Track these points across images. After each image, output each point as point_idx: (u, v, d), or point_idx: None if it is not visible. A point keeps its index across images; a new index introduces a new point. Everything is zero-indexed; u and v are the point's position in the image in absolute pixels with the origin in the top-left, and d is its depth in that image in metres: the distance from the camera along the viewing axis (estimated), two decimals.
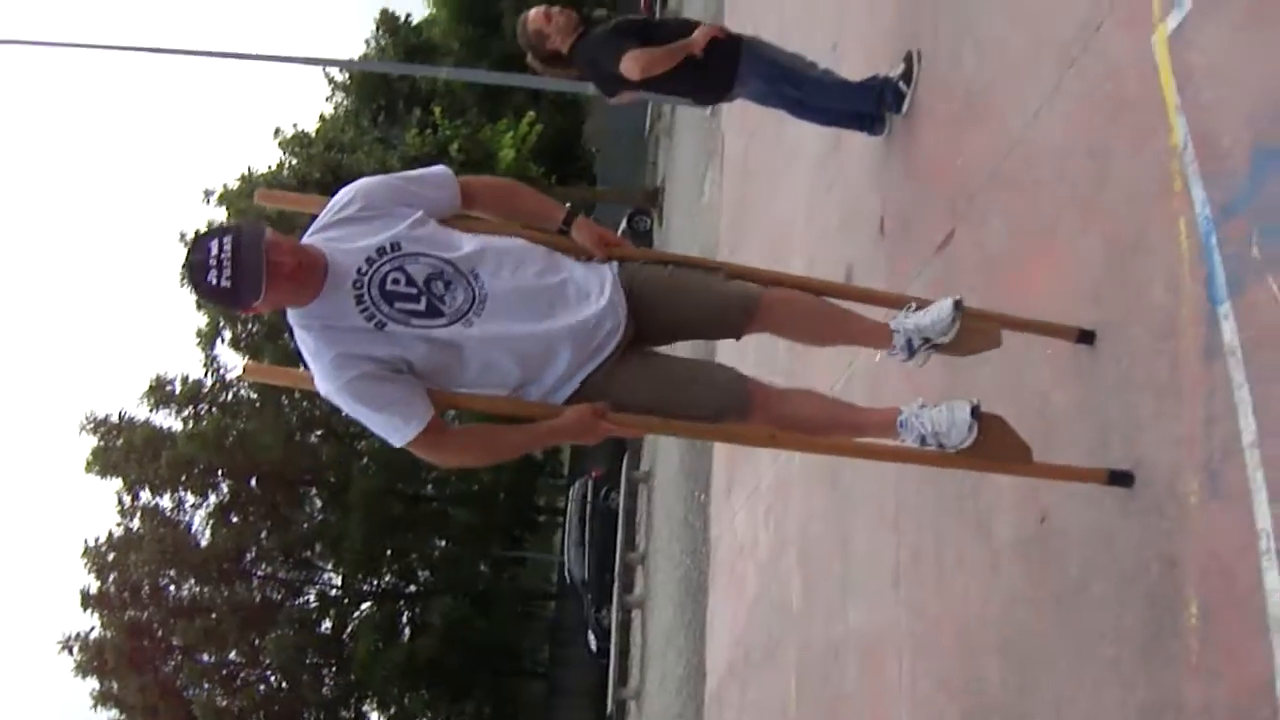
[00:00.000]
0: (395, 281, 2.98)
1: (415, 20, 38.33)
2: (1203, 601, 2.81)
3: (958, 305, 3.26)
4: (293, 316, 3.01)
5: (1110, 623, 3.21)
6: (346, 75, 33.41)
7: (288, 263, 2.84)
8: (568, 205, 3.35)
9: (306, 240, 3.04)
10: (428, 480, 35.50)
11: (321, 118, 34.49)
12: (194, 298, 31.74)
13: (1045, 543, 3.66)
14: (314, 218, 3.16)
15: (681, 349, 3.73)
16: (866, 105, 5.64)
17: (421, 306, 2.99)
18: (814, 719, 6.46)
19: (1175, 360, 3.05)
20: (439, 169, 3.29)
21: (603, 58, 5.30)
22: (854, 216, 6.26)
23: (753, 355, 6.93)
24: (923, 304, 3.38)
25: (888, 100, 5.61)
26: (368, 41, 36.53)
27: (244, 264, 2.76)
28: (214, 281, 2.79)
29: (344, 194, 3.12)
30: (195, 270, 2.83)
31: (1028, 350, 3.85)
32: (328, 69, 33.16)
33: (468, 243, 3.11)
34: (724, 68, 5.48)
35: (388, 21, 36.35)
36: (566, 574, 23.99)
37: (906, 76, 5.58)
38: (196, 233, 3.53)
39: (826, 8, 8.02)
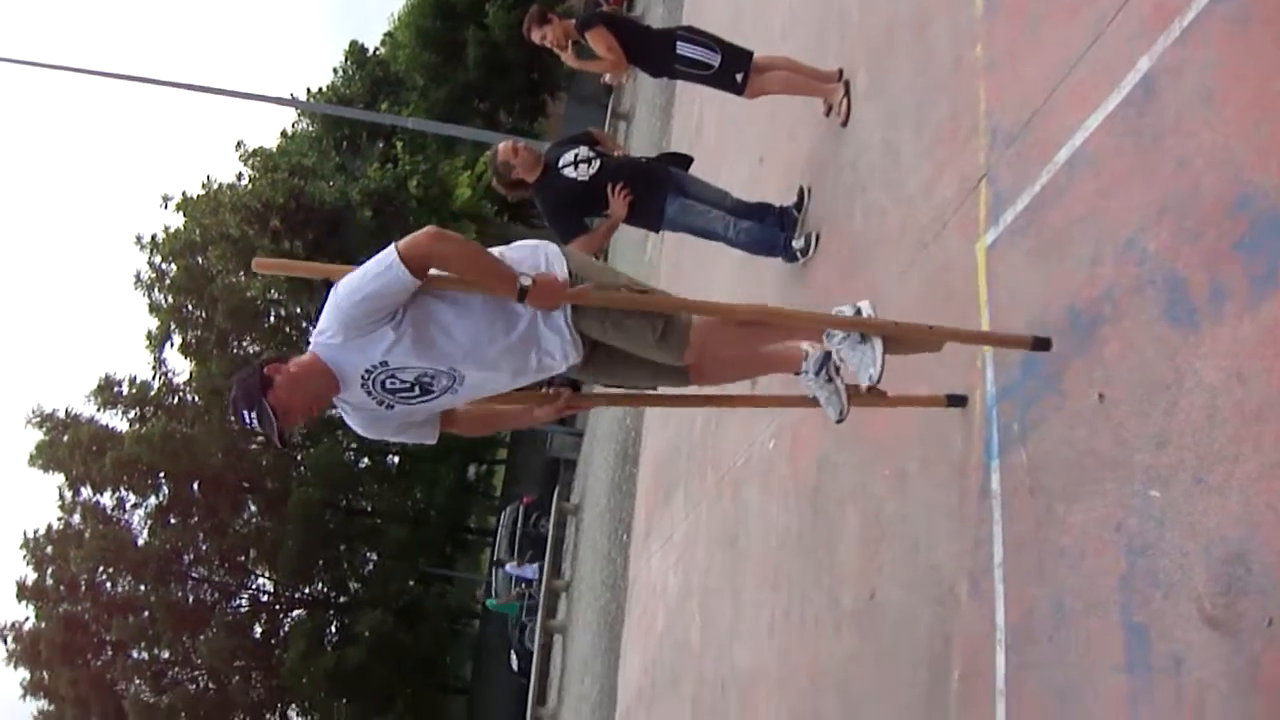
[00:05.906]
0: (391, 381, 3.88)
1: (379, 33, 38.87)
2: (962, 669, 3.99)
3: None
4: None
5: (909, 676, 4.40)
6: (312, 99, 33.82)
7: (297, 405, 3.67)
8: (520, 285, 3.82)
9: (314, 347, 3.80)
10: (364, 495, 36.12)
11: (283, 134, 35.00)
12: (146, 301, 32.50)
13: (872, 614, 4.84)
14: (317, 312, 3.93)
15: None
16: (770, 236, 6.77)
17: (416, 393, 3.94)
18: None
19: (963, 495, 4.21)
20: (390, 271, 3.63)
21: (555, 223, 6.40)
22: None
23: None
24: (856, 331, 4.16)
25: (785, 224, 6.80)
26: (336, 70, 37.07)
27: (263, 418, 3.61)
28: (250, 426, 3.72)
29: (326, 324, 3.76)
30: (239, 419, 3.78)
31: (873, 465, 5.04)
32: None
33: (440, 340, 3.87)
34: (651, 211, 6.59)
35: (356, 54, 37.03)
36: (493, 594, 24.82)
37: (798, 205, 6.89)
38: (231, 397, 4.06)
39: (757, 127, 9.16)
